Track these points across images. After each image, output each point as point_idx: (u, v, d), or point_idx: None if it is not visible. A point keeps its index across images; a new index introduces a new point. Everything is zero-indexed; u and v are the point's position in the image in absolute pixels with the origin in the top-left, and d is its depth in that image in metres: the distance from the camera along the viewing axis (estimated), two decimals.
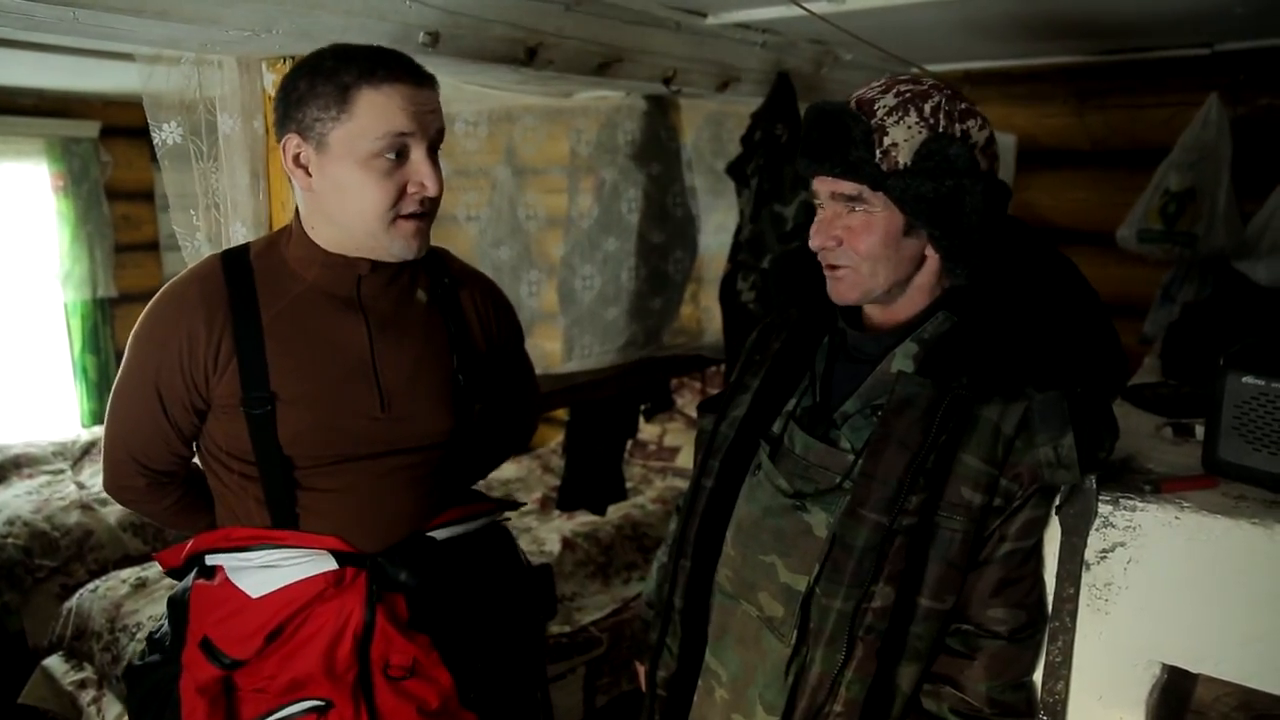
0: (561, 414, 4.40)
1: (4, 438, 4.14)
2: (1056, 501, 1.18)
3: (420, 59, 1.74)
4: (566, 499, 2.85)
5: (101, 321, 4.53)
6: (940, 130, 1.10)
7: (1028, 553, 1.15)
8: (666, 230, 2.62)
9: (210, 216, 1.72)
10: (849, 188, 1.14)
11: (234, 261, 1.34)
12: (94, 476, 3.98)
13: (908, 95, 1.12)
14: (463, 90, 2.12)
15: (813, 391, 1.27)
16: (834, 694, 1.12)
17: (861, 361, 1.22)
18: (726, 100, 2.73)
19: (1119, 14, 2.30)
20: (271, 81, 1.68)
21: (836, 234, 1.16)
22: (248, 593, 1.32)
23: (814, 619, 1.14)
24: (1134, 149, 3.06)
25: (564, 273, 2.50)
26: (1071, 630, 1.20)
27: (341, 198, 1.25)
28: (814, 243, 1.19)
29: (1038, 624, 1.18)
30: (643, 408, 3.00)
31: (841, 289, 1.19)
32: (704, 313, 3.01)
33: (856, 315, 1.25)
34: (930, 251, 1.17)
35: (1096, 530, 1.18)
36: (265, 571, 1.33)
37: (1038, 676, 1.21)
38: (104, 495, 3.69)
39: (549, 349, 2.60)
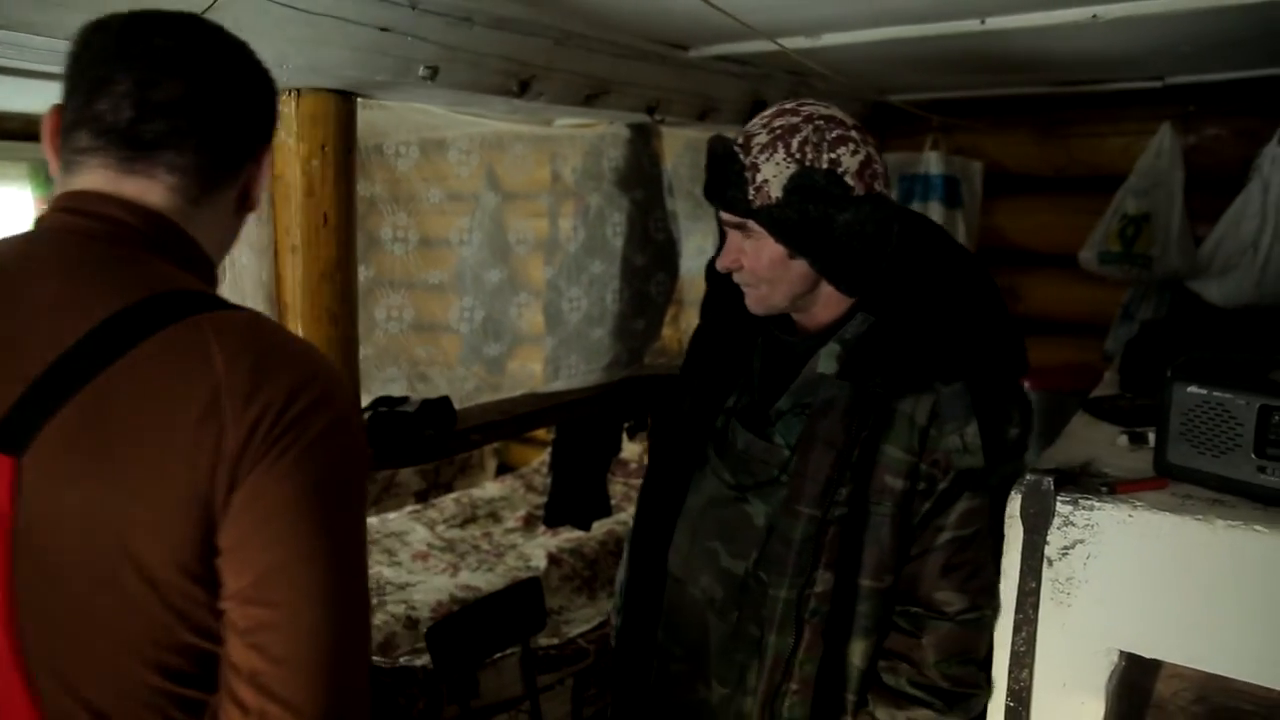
0: (543, 434, 4.47)
1: None
2: (1018, 501, 1.27)
3: (420, 90, 1.84)
4: (553, 515, 2.92)
5: None
6: (807, 164, 1.20)
7: (966, 540, 1.27)
8: (648, 254, 2.71)
9: None
10: (734, 219, 1.27)
11: None
12: None
13: (779, 131, 1.22)
14: (455, 118, 2.21)
15: (750, 390, 1.39)
16: (789, 674, 1.26)
17: (791, 362, 1.33)
18: (706, 128, 2.84)
19: (1072, 51, 2.43)
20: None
21: (735, 257, 1.30)
22: None
23: (764, 607, 1.26)
24: (1094, 175, 3.20)
25: (550, 295, 2.58)
26: (1034, 622, 1.29)
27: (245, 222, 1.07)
28: (719, 265, 1.33)
29: (982, 608, 1.29)
30: (625, 426, 3.08)
31: (750, 304, 1.33)
32: (684, 334, 3.10)
33: (785, 318, 1.36)
34: None
35: (1057, 529, 1.27)
36: None
37: (1003, 663, 1.30)
38: None
39: (534, 370, 2.68)
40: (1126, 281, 3.02)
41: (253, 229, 1.78)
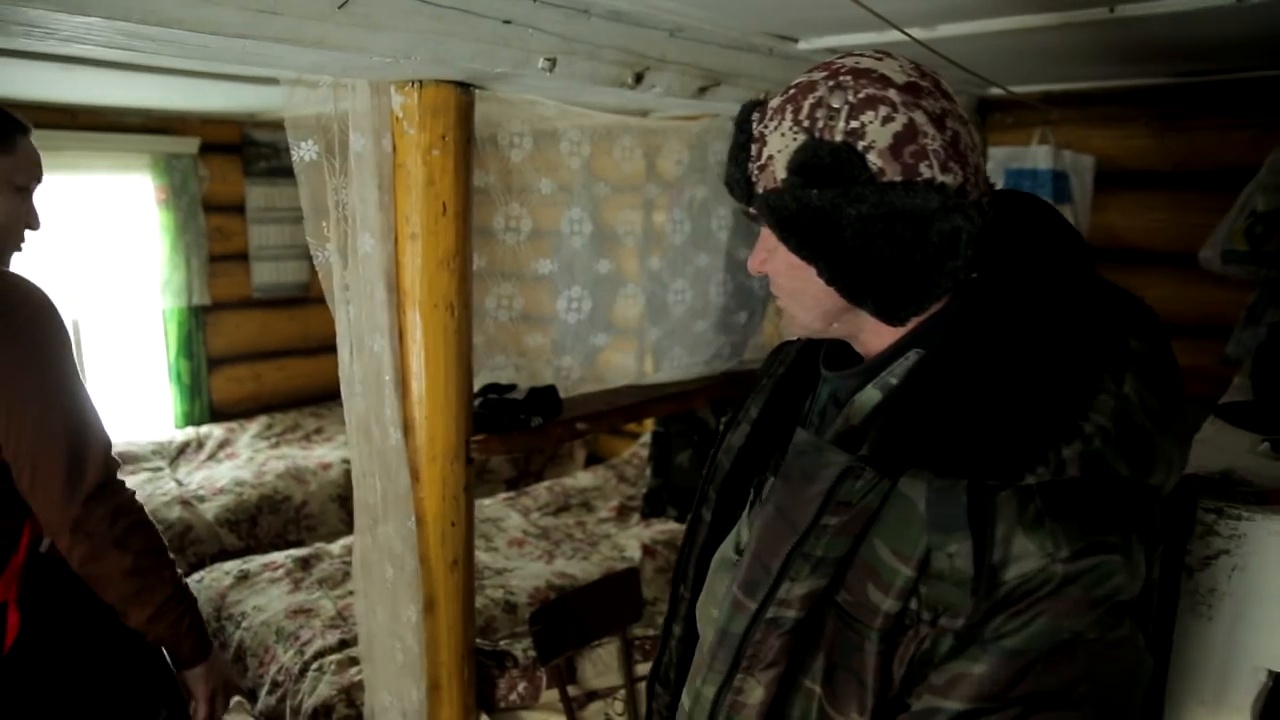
0: (634, 425, 4.49)
1: None
2: None
3: (537, 81, 1.86)
4: (653, 505, 2.93)
5: (195, 328, 4.74)
6: (816, 134, 0.86)
7: (960, 718, 0.81)
8: (753, 247, 2.69)
9: (340, 229, 1.84)
10: (752, 209, 0.97)
11: None
12: (190, 474, 4.17)
13: (793, 92, 0.90)
14: (566, 109, 2.23)
15: (810, 429, 1.05)
16: None
17: (842, 403, 1.00)
18: None
19: (1205, 39, 2.33)
20: (400, 103, 1.80)
21: (763, 258, 0.98)
22: None
23: (687, 694, 1.02)
24: (1216, 170, 3.06)
25: (654, 286, 2.59)
26: (1170, 635, 1.24)
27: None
28: (749, 267, 1.03)
29: None
30: (723, 419, 3.07)
31: (785, 322, 1.02)
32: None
33: (840, 345, 1.04)
34: None
35: (1199, 538, 1.22)
36: None
37: None
38: (201, 491, 3.92)
39: (635, 361, 2.69)
40: (1251, 282, 2.88)
41: (375, 216, 1.83)
